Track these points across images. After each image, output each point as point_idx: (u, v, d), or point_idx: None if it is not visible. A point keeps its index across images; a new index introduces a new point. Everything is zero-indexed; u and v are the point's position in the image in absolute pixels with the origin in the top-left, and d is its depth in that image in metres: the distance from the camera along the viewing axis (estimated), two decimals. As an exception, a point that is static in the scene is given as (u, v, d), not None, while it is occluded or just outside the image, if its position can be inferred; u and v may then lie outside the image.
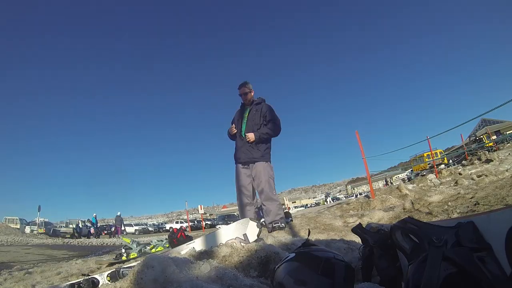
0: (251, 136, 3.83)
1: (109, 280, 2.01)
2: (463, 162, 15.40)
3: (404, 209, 4.62)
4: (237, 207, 4.21)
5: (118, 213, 24.28)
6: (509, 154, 12.14)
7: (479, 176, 7.15)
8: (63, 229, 28.84)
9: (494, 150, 15.79)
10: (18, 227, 25.43)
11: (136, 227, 37.43)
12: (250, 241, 1.92)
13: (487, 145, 20.54)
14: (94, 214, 27.25)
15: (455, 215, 3.40)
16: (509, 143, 20.63)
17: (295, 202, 77.55)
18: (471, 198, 4.09)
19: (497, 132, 35.51)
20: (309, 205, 54.24)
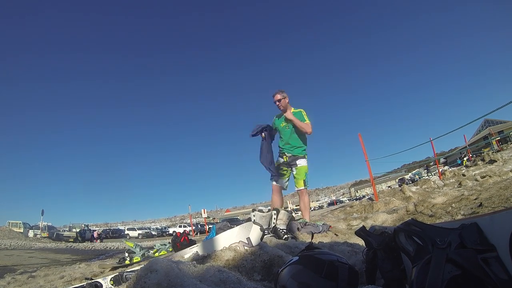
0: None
1: (112, 284, 2.02)
2: (467, 163, 15.29)
3: (407, 211, 4.59)
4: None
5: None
6: (513, 154, 12.04)
7: (483, 177, 7.09)
8: (66, 233, 28.89)
9: (498, 151, 15.67)
10: (22, 231, 25.50)
11: (139, 231, 37.41)
12: (253, 245, 1.92)
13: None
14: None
15: (459, 217, 3.37)
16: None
17: (298, 205, 76.88)
18: (475, 199, 4.06)
19: (500, 133, 35.29)
20: (312, 208, 54.02)
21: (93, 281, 2.07)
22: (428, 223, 1.06)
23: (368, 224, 4.26)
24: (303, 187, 4.05)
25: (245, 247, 1.87)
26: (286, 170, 4.17)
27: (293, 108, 4.15)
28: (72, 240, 24.18)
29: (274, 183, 4.19)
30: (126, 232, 36.77)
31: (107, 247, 13.11)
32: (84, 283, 2.09)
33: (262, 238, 2.06)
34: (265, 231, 2.90)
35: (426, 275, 0.78)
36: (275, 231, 3.18)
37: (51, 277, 3.66)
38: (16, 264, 5.98)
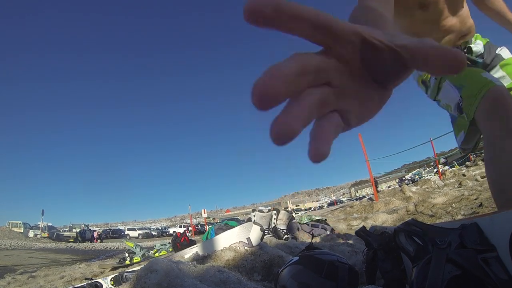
0: None
1: (112, 284, 2.02)
2: (467, 163, 15.29)
3: (407, 211, 4.59)
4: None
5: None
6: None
7: (483, 177, 7.08)
8: (66, 233, 28.84)
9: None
10: (22, 231, 25.47)
11: (140, 232, 37.33)
12: (254, 245, 1.92)
13: None
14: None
15: (459, 217, 3.37)
16: None
17: (298, 205, 76.88)
18: (475, 199, 4.06)
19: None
20: (312, 209, 54.03)
21: (93, 281, 2.07)
22: (428, 223, 1.06)
23: (368, 224, 4.25)
24: None
25: (245, 247, 1.88)
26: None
27: None
28: (72, 240, 24.16)
29: None
30: (126, 232, 36.72)
31: (107, 247, 13.11)
32: (84, 283, 2.09)
33: (262, 238, 2.06)
34: (265, 231, 2.91)
35: (426, 275, 0.77)
36: (275, 231, 3.18)
37: (51, 277, 3.67)
38: (16, 264, 5.98)
